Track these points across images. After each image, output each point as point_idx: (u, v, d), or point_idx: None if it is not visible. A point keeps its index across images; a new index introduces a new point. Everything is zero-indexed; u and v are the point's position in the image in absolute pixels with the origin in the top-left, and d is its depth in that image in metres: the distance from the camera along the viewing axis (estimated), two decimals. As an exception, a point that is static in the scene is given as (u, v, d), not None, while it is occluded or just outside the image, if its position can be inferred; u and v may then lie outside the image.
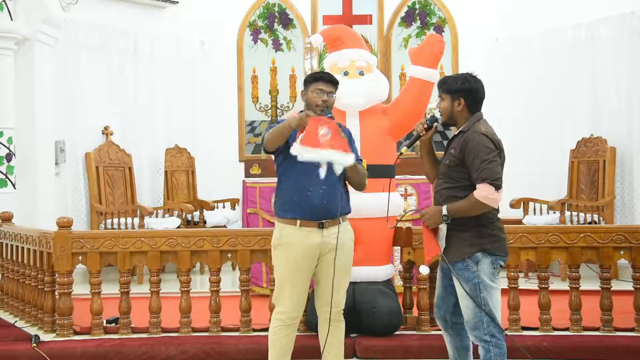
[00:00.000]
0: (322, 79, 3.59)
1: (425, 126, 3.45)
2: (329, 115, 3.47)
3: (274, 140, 3.47)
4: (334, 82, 3.62)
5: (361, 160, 3.63)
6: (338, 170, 3.32)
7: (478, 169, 3.22)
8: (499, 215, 3.42)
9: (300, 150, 3.17)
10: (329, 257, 3.54)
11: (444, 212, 3.28)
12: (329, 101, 3.57)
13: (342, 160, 3.24)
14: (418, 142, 3.56)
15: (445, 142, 3.59)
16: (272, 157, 3.68)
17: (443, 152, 3.51)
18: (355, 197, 4.32)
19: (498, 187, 3.22)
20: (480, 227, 3.30)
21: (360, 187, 3.67)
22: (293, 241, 3.51)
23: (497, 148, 3.29)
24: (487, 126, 3.36)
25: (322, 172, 3.27)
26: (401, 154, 3.50)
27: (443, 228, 3.36)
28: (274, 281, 4.43)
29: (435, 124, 3.46)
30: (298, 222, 3.50)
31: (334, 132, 3.18)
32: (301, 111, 3.46)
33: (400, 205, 4.82)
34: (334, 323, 3.63)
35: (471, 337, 3.36)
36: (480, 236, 3.29)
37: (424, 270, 3.52)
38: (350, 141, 3.63)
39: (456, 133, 3.41)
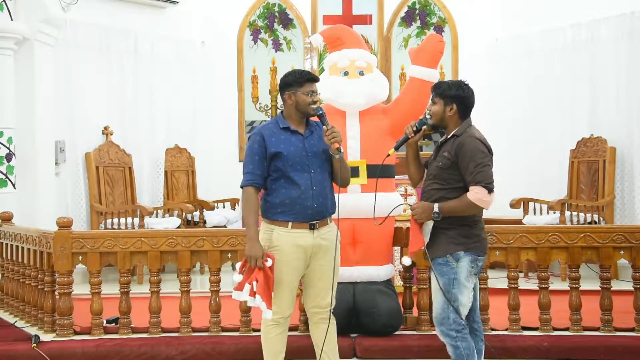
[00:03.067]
0: (310, 80, 3.58)
1: (415, 129, 3.56)
2: (321, 113, 3.54)
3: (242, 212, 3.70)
4: (317, 81, 3.66)
5: (340, 150, 3.56)
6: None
7: (473, 172, 3.36)
8: (485, 216, 3.57)
9: (237, 295, 3.46)
10: (319, 258, 3.55)
11: (436, 209, 3.40)
12: (319, 99, 3.62)
13: (263, 311, 3.42)
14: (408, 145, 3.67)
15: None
16: None
17: (432, 155, 3.62)
18: (355, 197, 4.34)
19: (491, 190, 3.37)
20: (466, 227, 3.44)
21: (346, 183, 3.68)
22: (285, 243, 3.50)
23: (490, 153, 3.45)
24: (478, 131, 3.51)
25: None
26: (388, 155, 3.59)
27: (429, 224, 3.48)
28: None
29: (424, 127, 3.55)
30: (290, 224, 3.50)
31: (267, 282, 3.40)
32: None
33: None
34: (327, 322, 3.64)
35: (437, 331, 3.51)
36: (466, 235, 3.43)
37: (407, 261, 3.67)
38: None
39: (448, 137, 3.51)
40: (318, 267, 3.57)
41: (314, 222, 3.51)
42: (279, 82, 3.72)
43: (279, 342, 3.62)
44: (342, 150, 3.49)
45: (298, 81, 3.56)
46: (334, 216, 3.65)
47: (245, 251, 3.49)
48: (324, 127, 3.51)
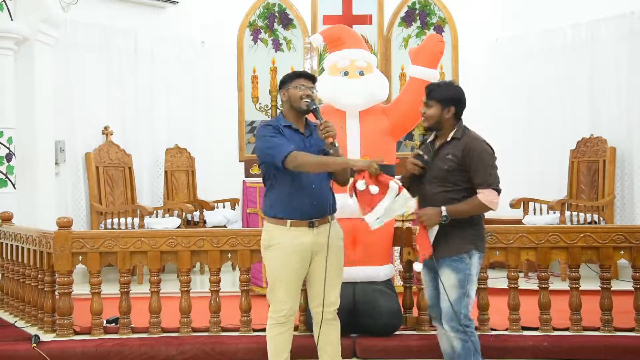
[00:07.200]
0: (302, 76, 3.62)
1: (421, 165, 3.56)
2: (314, 107, 3.53)
3: (314, 168, 3.45)
4: (313, 79, 3.65)
5: (335, 145, 3.52)
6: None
7: (483, 175, 3.43)
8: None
9: (371, 221, 3.37)
10: (320, 257, 3.54)
11: (444, 212, 3.42)
12: (312, 95, 3.58)
13: (401, 201, 3.38)
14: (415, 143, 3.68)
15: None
16: (259, 162, 3.66)
17: (425, 157, 3.57)
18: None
19: (500, 192, 3.46)
20: (476, 226, 3.54)
21: (345, 183, 3.61)
22: (283, 241, 3.51)
23: (494, 154, 3.53)
24: (475, 133, 3.57)
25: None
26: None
27: (434, 228, 3.49)
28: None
29: (426, 157, 3.57)
30: (288, 222, 3.50)
31: (374, 182, 3.35)
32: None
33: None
34: (330, 322, 3.64)
35: (446, 327, 3.50)
36: (476, 235, 3.53)
37: (418, 267, 3.63)
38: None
39: (448, 140, 3.53)
40: (318, 266, 3.56)
41: (313, 220, 3.52)
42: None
43: (282, 342, 3.62)
44: (337, 145, 3.47)
45: (287, 79, 3.62)
46: (337, 215, 3.67)
47: (356, 165, 3.39)
48: (317, 121, 3.52)
